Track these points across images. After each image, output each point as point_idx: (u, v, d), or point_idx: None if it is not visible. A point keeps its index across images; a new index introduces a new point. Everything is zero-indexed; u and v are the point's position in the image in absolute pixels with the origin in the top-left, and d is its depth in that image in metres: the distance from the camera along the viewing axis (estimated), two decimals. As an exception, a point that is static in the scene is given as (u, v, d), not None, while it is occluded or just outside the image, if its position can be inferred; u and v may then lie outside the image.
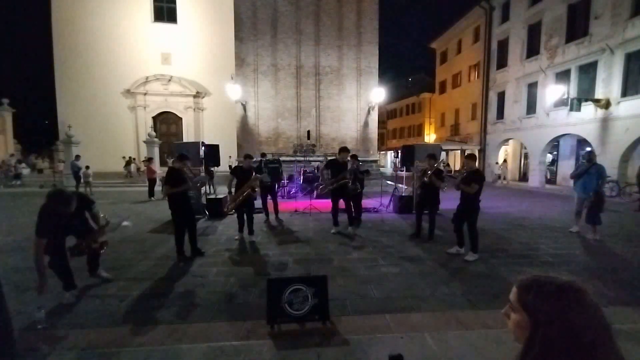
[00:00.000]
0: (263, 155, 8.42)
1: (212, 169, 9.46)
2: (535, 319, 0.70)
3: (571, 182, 6.64)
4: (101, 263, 3.93)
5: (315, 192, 11.17)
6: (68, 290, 3.40)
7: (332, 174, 6.25)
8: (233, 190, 5.76)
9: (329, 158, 8.33)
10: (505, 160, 19.98)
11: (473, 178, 4.61)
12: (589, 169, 6.11)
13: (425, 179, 5.57)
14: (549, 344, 0.67)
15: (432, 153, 5.94)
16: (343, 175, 6.08)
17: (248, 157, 6.14)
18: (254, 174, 5.89)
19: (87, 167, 14.13)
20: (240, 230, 5.95)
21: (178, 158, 4.89)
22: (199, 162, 8.01)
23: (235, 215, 6.06)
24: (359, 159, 7.13)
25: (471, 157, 4.95)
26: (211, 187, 10.12)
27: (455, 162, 26.35)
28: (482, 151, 20.80)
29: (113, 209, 9.11)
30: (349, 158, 6.34)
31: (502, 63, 18.99)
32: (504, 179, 19.08)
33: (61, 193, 3.18)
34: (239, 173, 5.86)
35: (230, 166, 18.39)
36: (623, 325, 2.86)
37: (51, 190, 3.25)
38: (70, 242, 3.49)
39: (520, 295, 0.74)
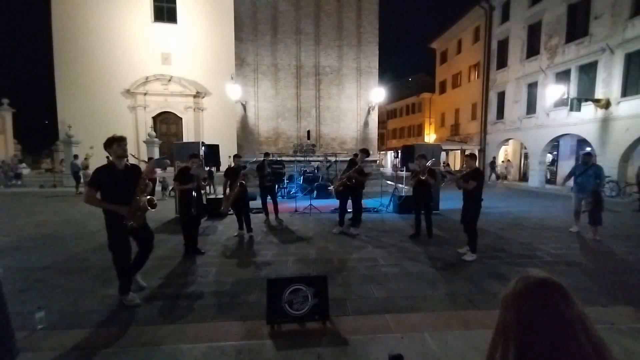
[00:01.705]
0: (267, 155, 8.44)
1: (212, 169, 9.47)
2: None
3: (570, 182, 6.66)
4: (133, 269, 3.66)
5: (315, 192, 11.19)
6: (124, 294, 3.28)
7: None
8: (228, 190, 5.96)
9: (349, 158, 8.28)
10: (509, 160, 20.00)
11: (473, 177, 4.66)
12: (585, 171, 6.14)
13: (422, 176, 5.59)
14: (504, 329, 0.74)
15: (423, 154, 6.04)
16: (348, 174, 6.08)
17: (236, 156, 6.40)
18: (241, 171, 6.02)
19: (87, 167, 14.14)
20: (241, 227, 6.15)
21: (188, 157, 5.09)
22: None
23: (234, 214, 6.23)
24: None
25: (472, 156, 5.04)
26: (211, 187, 10.13)
27: (456, 162, 26.35)
28: (482, 151, 20.80)
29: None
30: (366, 157, 6.28)
31: (502, 63, 18.99)
32: (505, 178, 19.08)
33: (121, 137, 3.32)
34: (231, 174, 6.05)
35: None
36: (623, 325, 2.87)
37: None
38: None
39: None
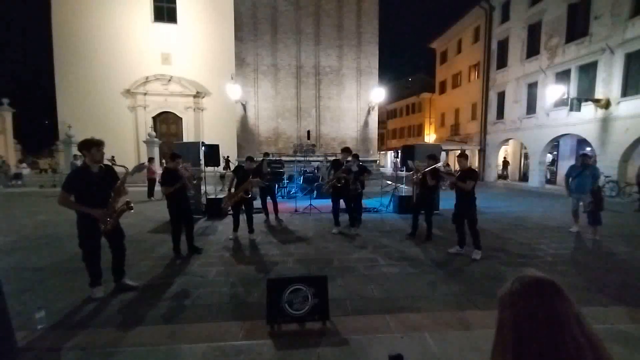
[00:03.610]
0: (266, 154, 8.42)
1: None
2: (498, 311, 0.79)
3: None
4: (123, 270, 3.72)
5: (315, 192, 11.18)
6: (94, 286, 3.39)
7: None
8: (233, 189, 5.87)
9: (332, 158, 8.48)
10: (504, 160, 20.06)
11: (468, 176, 4.67)
12: (581, 171, 6.15)
13: (419, 175, 5.62)
14: (501, 328, 0.75)
15: (433, 154, 5.98)
16: (336, 175, 6.14)
17: (249, 159, 6.27)
18: (250, 176, 5.93)
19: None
20: (235, 229, 6.03)
21: (170, 157, 4.96)
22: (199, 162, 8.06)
23: (232, 215, 6.12)
24: (359, 158, 7.10)
25: (463, 156, 5.04)
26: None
27: (455, 162, 26.34)
28: (482, 151, 20.80)
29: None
30: (349, 158, 6.36)
31: (502, 63, 18.98)
32: (500, 178, 19.22)
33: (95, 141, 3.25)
34: (240, 173, 5.96)
35: (225, 167, 18.37)
36: (623, 325, 2.87)
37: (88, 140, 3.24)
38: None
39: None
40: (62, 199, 3.14)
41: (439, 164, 5.75)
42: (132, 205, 3.43)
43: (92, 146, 3.18)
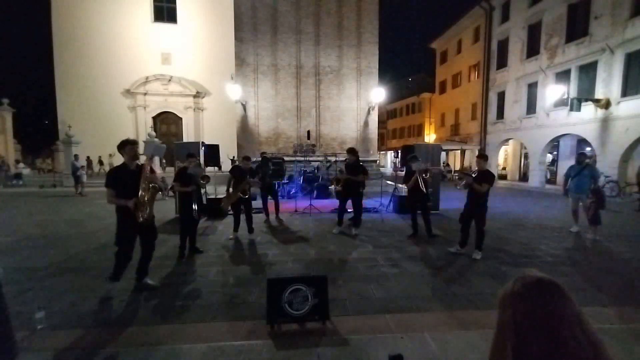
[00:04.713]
0: (264, 154, 8.41)
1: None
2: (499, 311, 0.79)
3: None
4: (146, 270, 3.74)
5: (315, 192, 11.18)
6: (112, 281, 3.52)
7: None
8: (231, 189, 5.90)
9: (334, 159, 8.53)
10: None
11: (484, 178, 4.63)
12: (580, 171, 6.15)
13: (426, 175, 5.68)
14: (502, 328, 0.75)
15: (414, 155, 6.19)
16: (334, 177, 6.20)
17: (246, 158, 6.31)
18: (247, 176, 5.95)
19: (82, 167, 14.20)
20: (236, 229, 6.04)
21: (186, 157, 5.19)
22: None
23: (233, 215, 6.15)
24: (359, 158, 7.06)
25: (483, 157, 4.97)
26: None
27: (455, 162, 26.35)
28: (482, 151, 20.82)
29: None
30: (353, 157, 6.36)
31: (502, 63, 18.99)
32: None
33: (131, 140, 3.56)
34: (237, 173, 5.99)
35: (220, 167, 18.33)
36: (623, 325, 2.87)
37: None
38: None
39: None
40: (108, 197, 3.41)
41: (424, 165, 5.96)
42: (157, 185, 3.56)
43: (126, 144, 3.48)
